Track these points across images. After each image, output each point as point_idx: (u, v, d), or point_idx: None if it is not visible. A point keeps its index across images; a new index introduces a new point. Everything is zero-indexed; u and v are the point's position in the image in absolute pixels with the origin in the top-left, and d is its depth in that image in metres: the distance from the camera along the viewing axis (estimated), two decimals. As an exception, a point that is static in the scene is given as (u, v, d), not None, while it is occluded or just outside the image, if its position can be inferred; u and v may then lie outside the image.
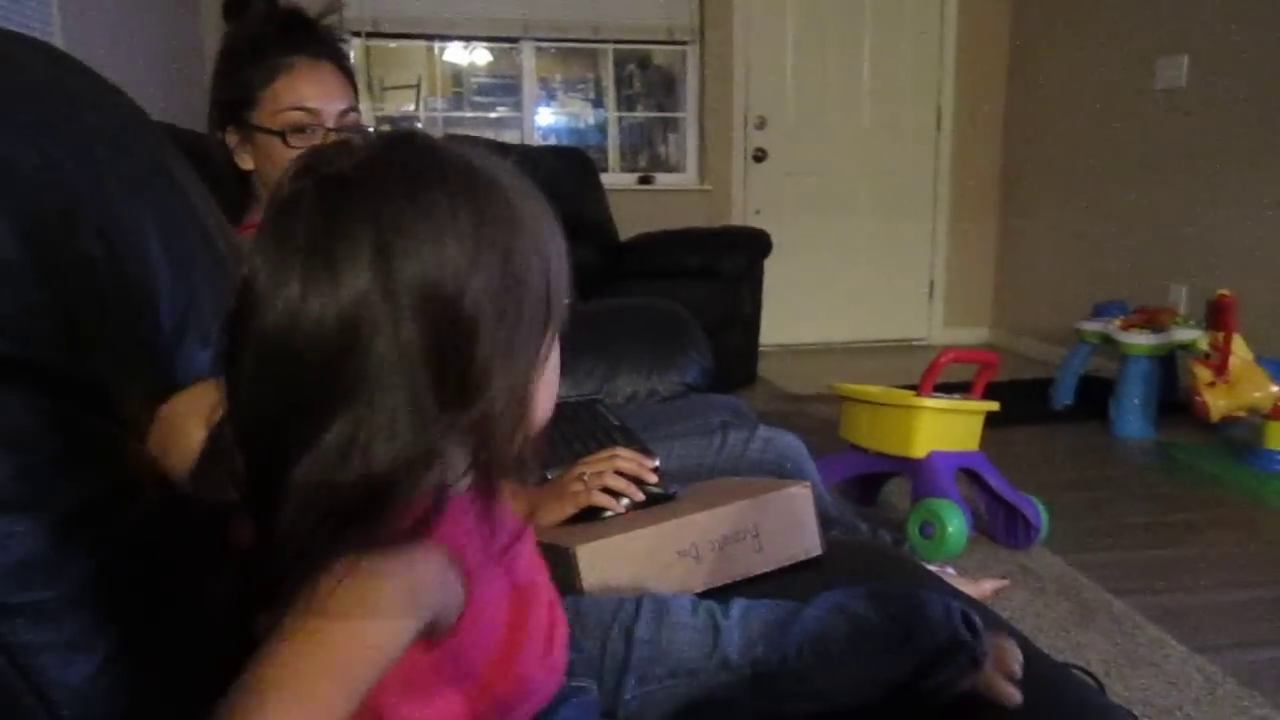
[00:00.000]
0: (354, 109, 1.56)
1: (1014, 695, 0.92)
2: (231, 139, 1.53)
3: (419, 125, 5.10)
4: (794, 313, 5.16)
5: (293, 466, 0.57)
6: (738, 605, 1.00)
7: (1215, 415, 3.13)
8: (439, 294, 0.59)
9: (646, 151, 5.58)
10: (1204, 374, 3.17)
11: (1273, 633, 2.09)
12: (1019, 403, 3.72)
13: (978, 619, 0.93)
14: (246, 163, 1.53)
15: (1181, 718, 1.74)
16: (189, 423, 0.79)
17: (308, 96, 1.49)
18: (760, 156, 5.21)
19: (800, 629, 0.95)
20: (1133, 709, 1.70)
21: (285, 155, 1.49)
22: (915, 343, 5.48)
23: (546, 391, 0.70)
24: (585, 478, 1.30)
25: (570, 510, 1.28)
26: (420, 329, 0.58)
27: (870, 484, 2.78)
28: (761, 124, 5.18)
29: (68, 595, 0.70)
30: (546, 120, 5.43)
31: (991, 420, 2.58)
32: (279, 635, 0.57)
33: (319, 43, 1.53)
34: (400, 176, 0.61)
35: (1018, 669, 0.93)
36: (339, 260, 0.57)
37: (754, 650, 0.95)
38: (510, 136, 5.11)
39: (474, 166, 0.65)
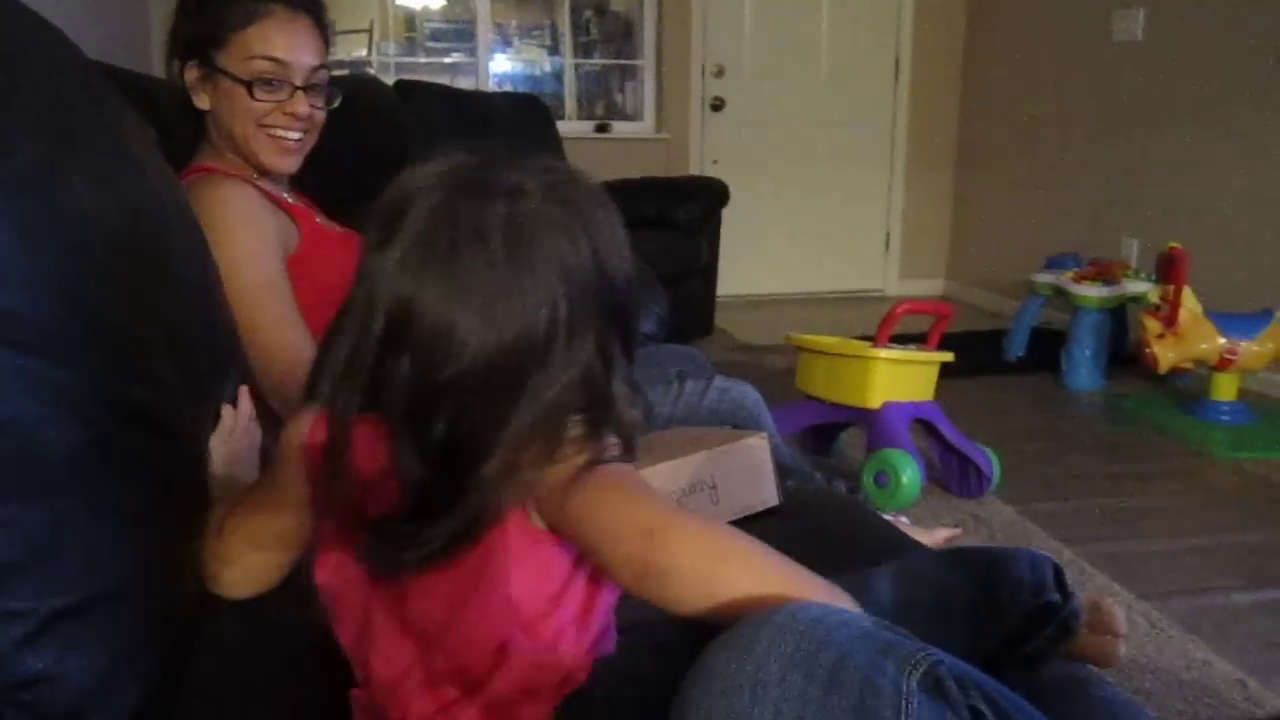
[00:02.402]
0: (325, 66, 1.52)
1: (1114, 655, 0.91)
2: (191, 75, 1.46)
3: (373, 72, 4.99)
4: (751, 263, 5.15)
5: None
6: None
7: (1164, 367, 3.18)
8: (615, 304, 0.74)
9: (603, 100, 5.52)
10: (1154, 326, 3.21)
11: (1214, 579, 2.13)
12: (973, 354, 3.75)
13: (1068, 577, 0.91)
14: (203, 102, 1.47)
15: (1127, 662, 1.77)
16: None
17: (280, 48, 1.44)
18: (718, 105, 5.17)
19: (876, 601, 0.92)
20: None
21: (248, 106, 1.44)
22: (871, 294, 5.50)
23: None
24: None
25: None
26: (594, 342, 0.72)
27: (826, 434, 2.80)
28: (720, 73, 5.14)
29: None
30: (502, 67, 5.34)
31: (946, 371, 2.60)
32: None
33: None
34: (573, 219, 0.72)
35: (1120, 626, 0.93)
36: (529, 299, 0.69)
37: None
38: (465, 83, 5.02)
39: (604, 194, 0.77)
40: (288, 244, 1.46)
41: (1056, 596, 0.89)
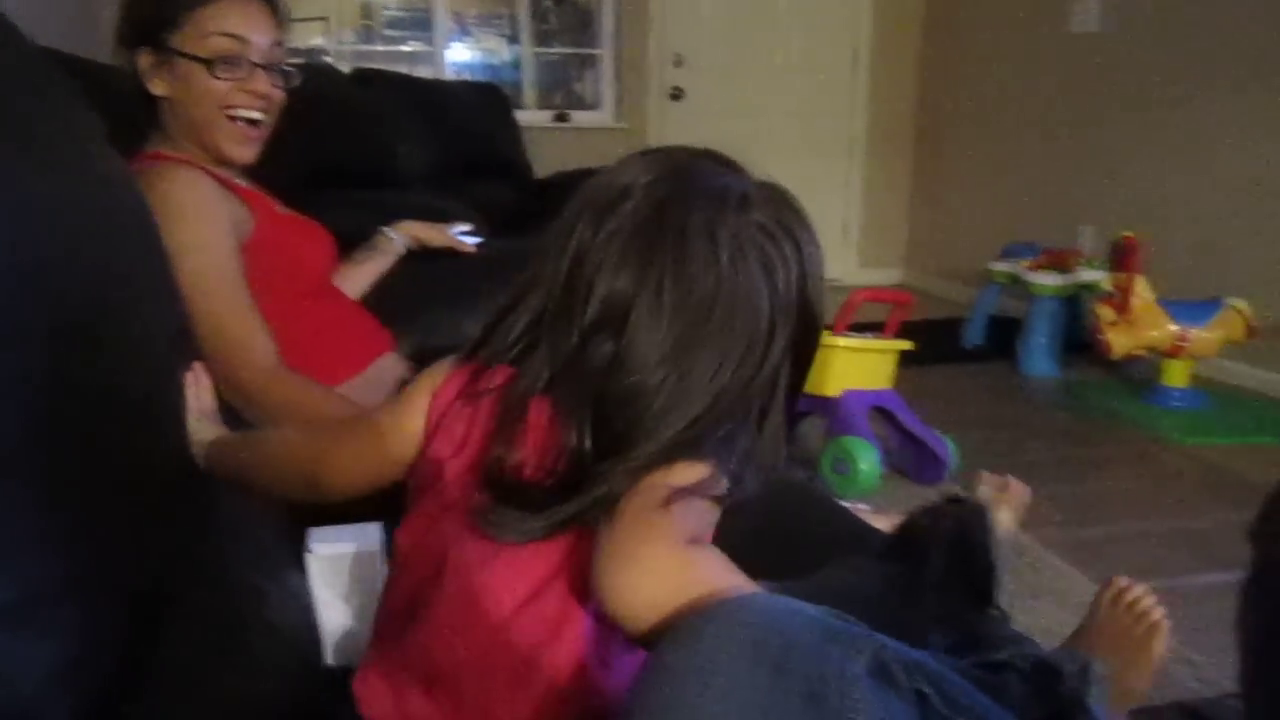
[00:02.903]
0: (281, 43, 1.49)
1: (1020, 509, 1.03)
2: (145, 61, 1.43)
3: (330, 61, 4.93)
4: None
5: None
6: None
7: (1117, 353, 3.22)
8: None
9: (563, 89, 5.49)
10: (1107, 314, 3.26)
11: (1166, 562, 2.17)
12: (931, 342, 3.78)
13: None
14: (158, 88, 1.44)
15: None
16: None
17: (237, 24, 1.41)
18: (677, 95, 5.17)
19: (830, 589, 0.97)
20: (1034, 636, 1.75)
21: (208, 85, 1.42)
22: (831, 283, 5.46)
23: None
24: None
25: None
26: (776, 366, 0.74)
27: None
28: (679, 62, 5.14)
29: None
30: (460, 56, 5.30)
31: (904, 359, 2.62)
32: None
33: None
34: (788, 238, 0.74)
35: (1019, 490, 1.08)
36: (739, 313, 0.71)
37: None
38: (423, 72, 4.98)
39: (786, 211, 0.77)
40: (241, 230, 1.44)
41: (955, 507, 0.99)
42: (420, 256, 1.92)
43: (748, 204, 0.73)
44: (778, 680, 0.57)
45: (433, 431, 0.80)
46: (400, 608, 0.81)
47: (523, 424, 0.73)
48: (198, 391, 1.06)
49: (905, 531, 1.02)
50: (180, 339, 1.10)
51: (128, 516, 0.74)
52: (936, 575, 0.96)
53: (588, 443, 0.71)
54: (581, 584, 0.73)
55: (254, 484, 0.96)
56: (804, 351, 0.77)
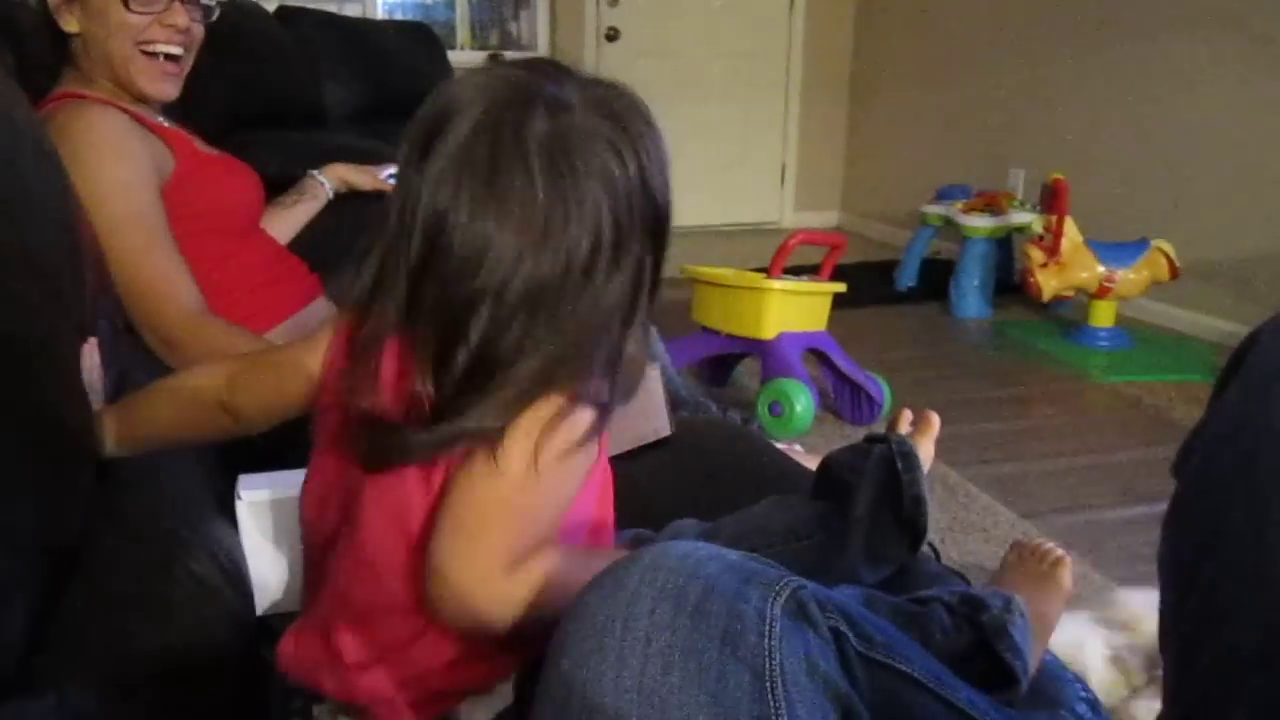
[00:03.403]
0: None
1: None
2: None
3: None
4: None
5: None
6: None
7: (1047, 295, 3.28)
8: (588, 236, 0.68)
9: (497, 28, 5.39)
10: (1037, 255, 3.31)
11: (1090, 497, 2.23)
12: (865, 284, 3.82)
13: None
14: (70, 24, 1.38)
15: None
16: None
17: None
18: (613, 35, 5.10)
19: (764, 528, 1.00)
20: (965, 573, 1.79)
21: (123, 19, 1.36)
22: (767, 226, 5.53)
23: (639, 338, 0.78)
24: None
25: None
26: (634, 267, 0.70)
27: (722, 365, 2.82)
28: (614, 1, 5.06)
29: None
30: (392, -6, 5.17)
31: (838, 301, 2.64)
32: None
33: None
34: (619, 134, 0.70)
35: (933, 420, 1.13)
36: (572, 219, 0.67)
37: None
38: (352, 10, 4.85)
39: (642, 132, 0.73)
40: (162, 170, 1.40)
41: (880, 445, 0.99)
42: (349, 199, 1.88)
43: (566, 109, 0.69)
44: (698, 623, 0.58)
45: (326, 373, 0.80)
46: (318, 544, 0.81)
47: (375, 365, 0.72)
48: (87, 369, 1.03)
49: (828, 469, 1.03)
50: (98, 295, 1.06)
51: (33, 470, 0.72)
52: (863, 511, 0.98)
53: (430, 385, 0.70)
54: None
55: (164, 436, 0.93)
56: (659, 247, 0.74)
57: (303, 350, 0.83)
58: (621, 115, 0.72)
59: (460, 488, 0.70)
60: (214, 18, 1.49)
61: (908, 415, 1.12)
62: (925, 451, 1.03)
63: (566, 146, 0.68)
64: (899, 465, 0.96)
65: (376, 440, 0.72)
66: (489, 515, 0.70)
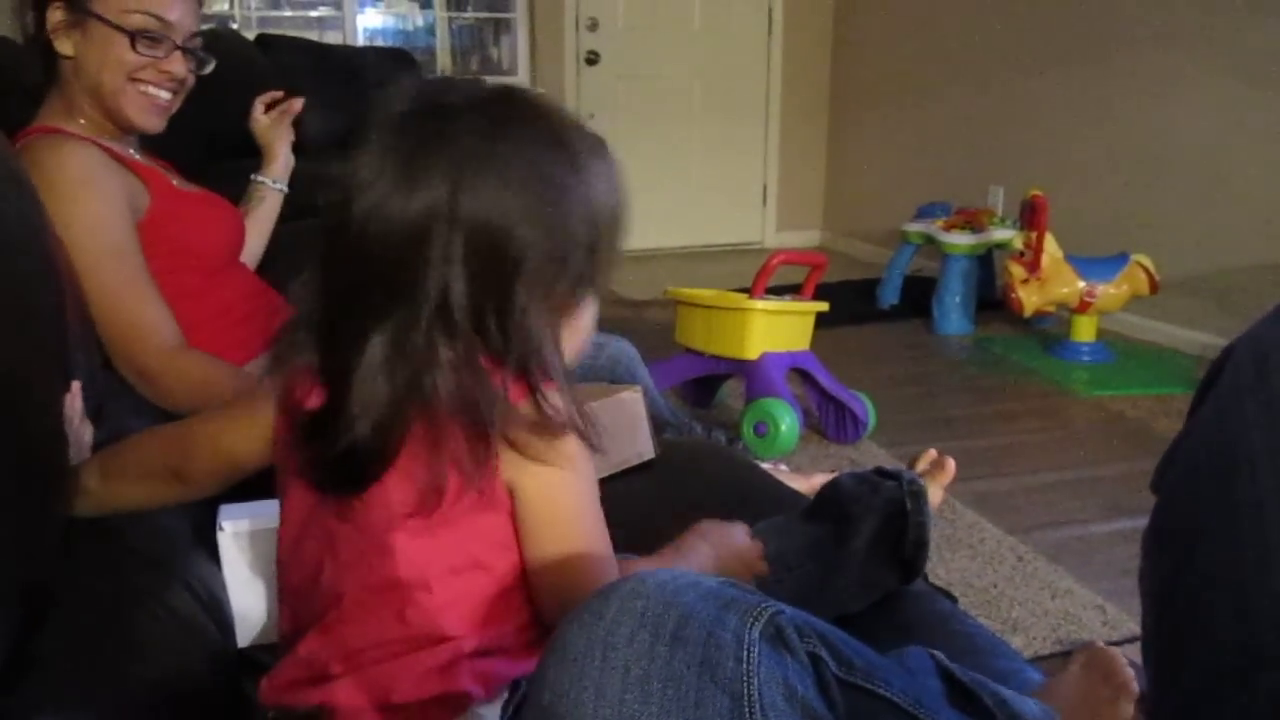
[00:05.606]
0: (200, 34, 1.46)
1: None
2: (55, 16, 1.35)
3: (234, 27, 4.79)
4: (629, 218, 5.13)
5: (357, 351, 0.70)
6: None
7: (1028, 310, 3.30)
8: (490, 230, 0.70)
9: (477, 54, 5.41)
10: (1018, 271, 3.33)
11: (1075, 511, 2.24)
12: (847, 303, 3.83)
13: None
14: (65, 47, 1.37)
15: (996, 595, 1.85)
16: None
17: (167, 8, 1.37)
18: (592, 59, 5.12)
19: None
20: (951, 589, 1.79)
21: (123, 58, 1.36)
22: (749, 246, 5.55)
23: (575, 337, 0.80)
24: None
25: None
26: (467, 254, 0.69)
27: (706, 386, 2.83)
28: (593, 26, 5.08)
29: None
30: (372, 21, 5.18)
31: (821, 320, 2.65)
32: None
33: None
34: (489, 125, 0.72)
35: (949, 466, 1.13)
36: (420, 177, 0.69)
37: None
38: (332, 38, 4.86)
39: (556, 132, 0.75)
40: (136, 206, 1.39)
41: (891, 482, 1.00)
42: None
43: (453, 117, 0.72)
44: (676, 651, 0.58)
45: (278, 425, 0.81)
46: (298, 585, 0.81)
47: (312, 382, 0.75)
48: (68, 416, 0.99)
49: (831, 493, 1.03)
50: (78, 335, 1.05)
51: (9, 507, 0.71)
52: (862, 544, 0.98)
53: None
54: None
55: (123, 495, 0.91)
56: (597, 246, 0.77)
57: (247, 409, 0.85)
58: (511, 123, 0.74)
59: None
60: (208, 70, 1.50)
61: (930, 455, 1.13)
62: (934, 495, 1.04)
63: (462, 161, 0.71)
64: (908, 505, 0.96)
65: (337, 464, 0.73)
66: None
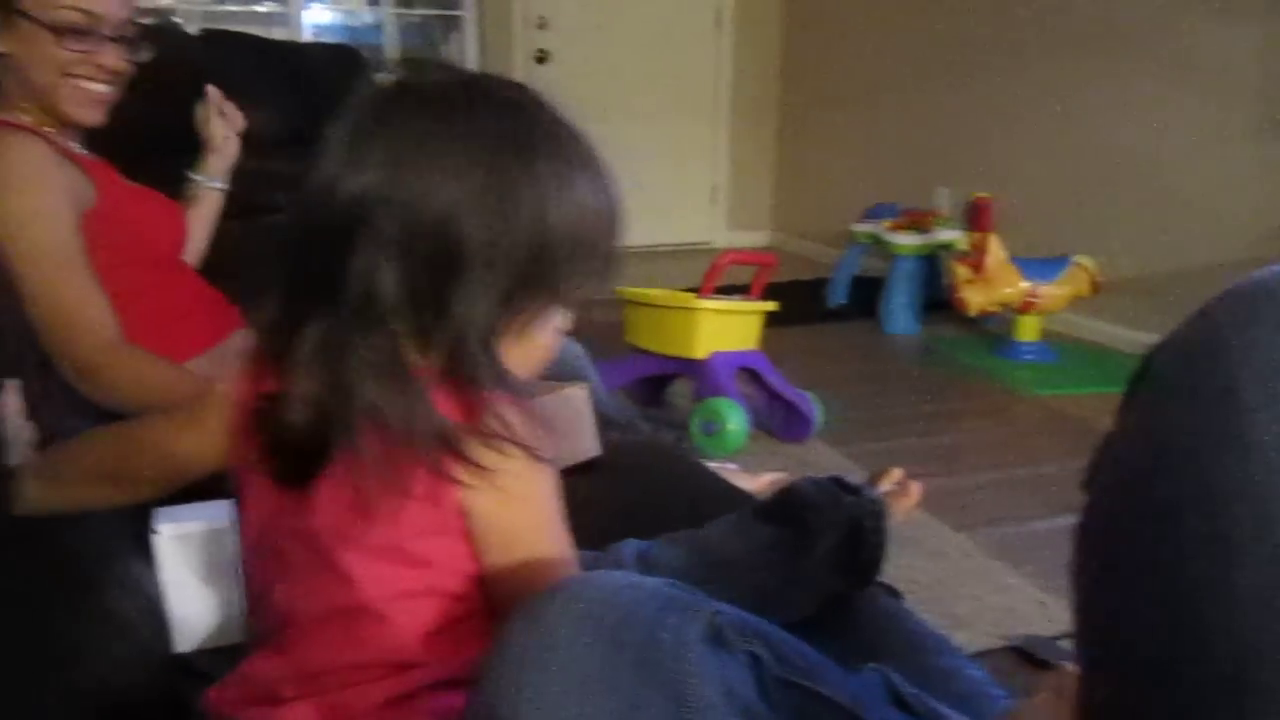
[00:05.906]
0: (134, 21, 1.43)
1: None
2: None
3: (178, 22, 4.71)
4: (613, 233, 5.11)
5: (298, 340, 0.69)
6: None
7: (973, 310, 3.34)
8: (426, 217, 0.67)
9: (426, 52, 5.37)
10: (963, 272, 3.37)
11: (1019, 508, 2.26)
12: (796, 303, 3.84)
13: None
14: (0, 45, 1.35)
15: (941, 591, 1.86)
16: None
17: (93, 1, 1.35)
18: (542, 58, 5.11)
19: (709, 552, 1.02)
20: (896, 585, 1.81)
21: (52, 54, 1.34)
22: (699, 246, 5.56)
23: (527, 350, 0.75)
24: None
25: None
26: (402, 242, 0.66)
27: (655, 386, 2.83)
28: (543, 24, 5.07)
29: None
30: (319, 18, 5.13)
31: (770, 320, 2.66)
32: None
33: None
34: (446, 109, 0.70)
35: (915, 490, 1.04)
36: (364, 155, 0.67)
37: None
38: (279, 34, 4.79)
39: (522, 127, 0.73)
40: (81, 200, 1.37)
41: (852, 498, 1.00)
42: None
43: (409, 98, 0.71)
44: (614, 652, 0.58)
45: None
46: (254, 596, 0.79)
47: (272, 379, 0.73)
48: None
49: (790, 499, 1.03)
50: (17, 330, 1.03)
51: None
52: (820, 557, 0.99)
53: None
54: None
55: (65, 497, 0.89)
56: (551, 251, 0.72)
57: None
58: (452, 115, 0.72)
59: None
60: (146, 58, 1.47)
61: (895, 475, 1.14)
62: (897, 513, 1.05)
63: (403, 150, 0.70)
64: (866, 524, 0.97)
65: (282, 454, 0.72)
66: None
